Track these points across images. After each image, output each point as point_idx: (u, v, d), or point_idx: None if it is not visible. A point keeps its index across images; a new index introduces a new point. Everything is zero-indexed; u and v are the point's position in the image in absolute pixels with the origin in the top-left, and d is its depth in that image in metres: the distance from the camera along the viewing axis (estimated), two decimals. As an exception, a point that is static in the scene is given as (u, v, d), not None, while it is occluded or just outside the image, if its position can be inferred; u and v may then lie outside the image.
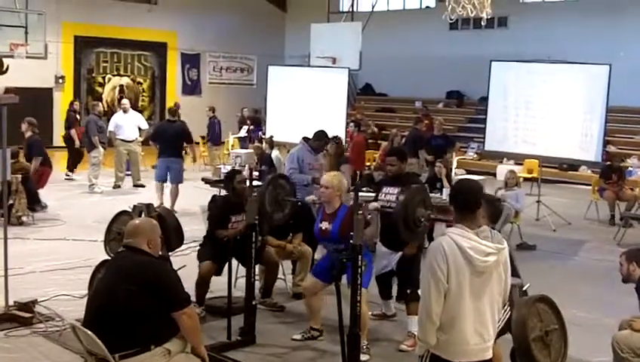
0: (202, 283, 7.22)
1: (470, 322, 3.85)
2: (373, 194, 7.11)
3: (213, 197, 7.83)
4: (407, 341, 6.59)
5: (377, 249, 7.03)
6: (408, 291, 6.64)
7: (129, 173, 15.56)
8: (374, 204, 6.42)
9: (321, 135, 9.45)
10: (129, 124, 15.40)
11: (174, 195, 12.68)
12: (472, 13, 10.55)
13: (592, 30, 20.62)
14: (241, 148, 17.11)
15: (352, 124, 14.28)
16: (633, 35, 19.91)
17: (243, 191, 7.24)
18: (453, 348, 3.88)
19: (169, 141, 12.75)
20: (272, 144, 13.84)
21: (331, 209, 6.43)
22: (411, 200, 5.37)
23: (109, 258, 6.09)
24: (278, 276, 7.89)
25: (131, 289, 4.45)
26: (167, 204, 12.48)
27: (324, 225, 6.46)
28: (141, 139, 15.78)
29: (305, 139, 9.62)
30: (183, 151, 13.22)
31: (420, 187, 5.86)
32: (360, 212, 5.36)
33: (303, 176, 9.09)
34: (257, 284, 7.12)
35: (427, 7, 25.02)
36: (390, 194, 6.93)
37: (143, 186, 15.25)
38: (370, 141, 19.21)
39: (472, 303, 3.85)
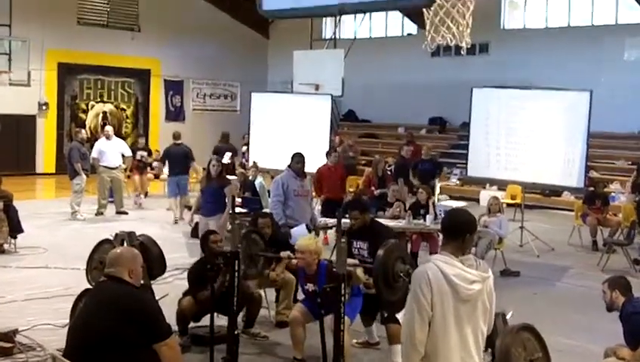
0: (182, 317, 7.13)
1: (456, 351, 3.81)
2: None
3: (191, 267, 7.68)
4: None
5: None
6: (385, 314, 6.59)
7: (112, 200, 15.47)
8: (352, 261, 6.29)
9: (300, 156, 9.45)
10: (112, 151, 15.36)
11: (183, 205, 14.50)
12: (451, 42, 10.61)
13: (572, 56, 20.84)
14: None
15: (334, 154, 13.52)
16: (614, 61, 20.11)
17: (218, 253, 7.11)
18: (440, 378, 3.83)
19: (177, 161, 14.90)
20: (257, 170, 13.88)
21: (311, 271, 6.46)
22: (389, 257, 5.35)
23: (91, 287, 6.04)
24: (262, 305, 7.83)
25: (112, 320, 4.42)
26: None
27: (310, 286, 6.49)
28: (124, 166, 15.79)
29: (290, 166, 9.62)
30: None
31: (397, 243, 5.70)
32: (343, 240, 5.34)
33: (279, 213, 9.10)
34: (241, 313, 7.07)
35: (409, 34, 25.17)
36: (361, 249, 7.03)
37: (125, 213, 15.17)
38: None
39: (457, 331, 3.80)
